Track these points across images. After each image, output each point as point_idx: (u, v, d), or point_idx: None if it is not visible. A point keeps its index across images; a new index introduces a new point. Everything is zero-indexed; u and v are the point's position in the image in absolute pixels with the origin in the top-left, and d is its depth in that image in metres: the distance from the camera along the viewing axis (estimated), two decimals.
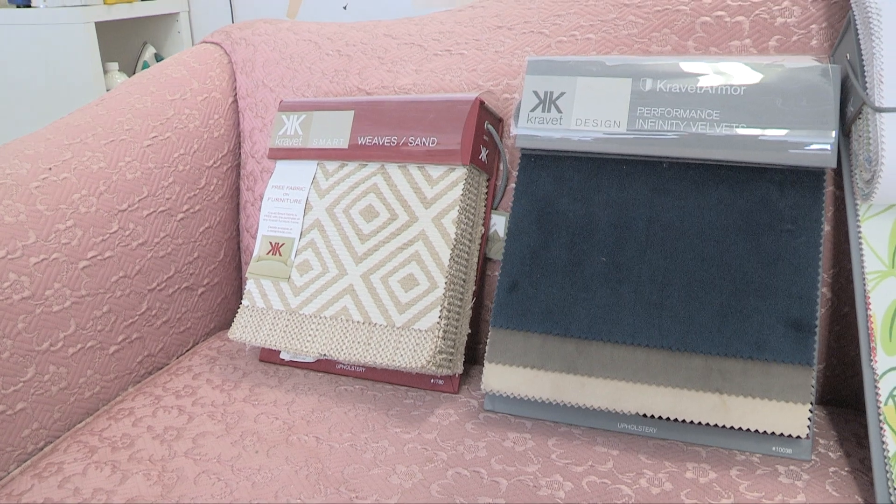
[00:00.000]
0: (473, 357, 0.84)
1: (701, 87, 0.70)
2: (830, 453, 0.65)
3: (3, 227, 0.73)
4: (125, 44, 2.63)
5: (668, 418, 0.67)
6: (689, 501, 0.59)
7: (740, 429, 0.65)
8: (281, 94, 0.97)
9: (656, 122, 0.70)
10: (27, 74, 2.19)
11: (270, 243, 0.81)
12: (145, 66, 2.50)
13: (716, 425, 0.65)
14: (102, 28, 2.59)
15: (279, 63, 0.99)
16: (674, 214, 0.69)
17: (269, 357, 0.83)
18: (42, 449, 0.72)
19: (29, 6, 2.21)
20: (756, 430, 0.64)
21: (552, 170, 0.74)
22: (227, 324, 0.97)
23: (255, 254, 0.81)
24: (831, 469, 0.62)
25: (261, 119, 0.97)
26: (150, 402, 0.76)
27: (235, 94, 1.01)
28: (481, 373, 0.80)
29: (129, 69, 2.60)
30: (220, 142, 0.97)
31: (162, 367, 0.86)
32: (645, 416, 0.68)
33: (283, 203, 0.82)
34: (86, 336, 0.76)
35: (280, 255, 0.80)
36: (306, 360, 0.81)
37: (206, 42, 1.08)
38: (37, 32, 2.13)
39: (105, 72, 2.26)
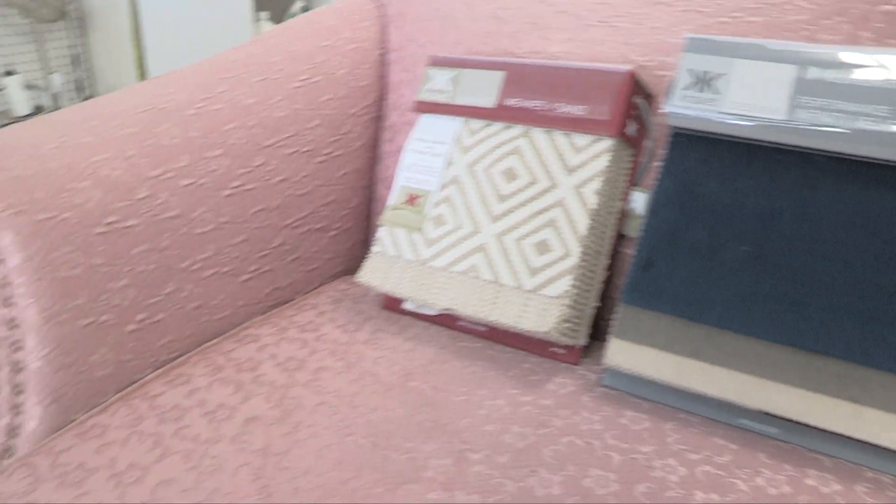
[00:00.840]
0: (595, 333, 0.83)
1: (872, 80, 0.66)
2: None
3: (160, 149, 0.76)
4: None
5: (793, 420, 0.64)
6: None
7: (873, 444, 0.62)
8: (430, 51, 0.97)
9: (817, 114, 0.67)
10: (183, 19, 2.28)
11: (407, 194, 0.82)
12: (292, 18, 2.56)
13: (846, 436, 0.62)
14: None
15: (431, 20, 1.00)
16: (825, 211, 0.66)
17: (392, 305, 0.84)
18: (174, 360, 0.76)
19: None
20: (891, 449, 0.60)
21: (701, 151, 0.72)
22: (352, 269, 0.99)
23: (390, 202, 0.83)
24: None
25: (408, 73, 0.98)
26: (275, 332, 0.78)
27: (385, 47, 1.02)
28: (602, 348, 0.79)
29: (278, 20, 2.67)
30: (365, 91, 0.98)
31: (288, 302, 0.88)
32: (768, 414, 0.65)
33: (423, 156, 0.82)
34: (222, 261, 0.79)
35: (415, 206, 0.80)
36: (429, 313, 0.81)
37: None
38: None
39: (256, 20, 2.33)
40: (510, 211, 0.75)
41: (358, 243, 0.99)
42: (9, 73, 1.88)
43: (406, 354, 0.75)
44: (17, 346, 0.68)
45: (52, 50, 2.23)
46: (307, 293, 0.91)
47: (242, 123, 0.83)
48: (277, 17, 2.67)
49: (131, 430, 0.65)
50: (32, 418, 0.68)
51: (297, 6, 2.54)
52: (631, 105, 0.75)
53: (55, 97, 1.94)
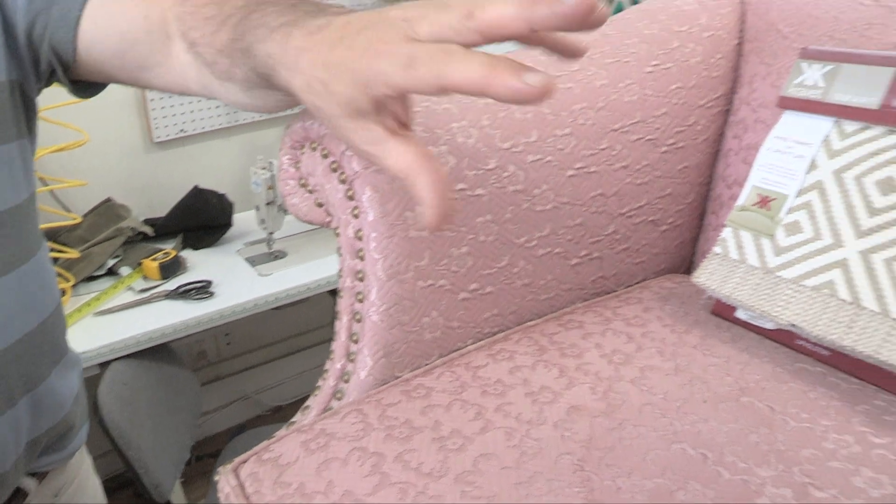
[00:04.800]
0: None
1: None
2: None
3: (513, 122, 0.76)
4: None
5: None
6: None
7: None
8: (795, 42, 0.89)
9: None
10: None
11: (759, 195, 0.75)
12: (619, 7, 2.52)
13: None
14: None
15: (799, 9, 0.91)
16: None
17: (722, 311, 0.79)
18: (494, 334, 0.76)
19: None
20: None
21: None
22: (677, 267, 0.94)
23: (739, 202, 0.77)
24: None
25: (766, 66, 0.91)
26: (599, 322, 0.76)
27: (742, 36, 0.96)
28: None
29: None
30: (716, 83, 0.93)
31: (610, 292, 0.86)
32: None
33: (783, 156, 0.75)
34: (556, 241, 0.78)
35: (768, 209, 0.74)
36: (765, 326, 0.75)
37: None
38: None
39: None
40: (883, 227, 0.67)
41: (687, 241, 0.93)
42: None
43: (739, 366, 0.69)
44: (360, 297, 0.71)
45: None
46: (630, 286, 0.87)
47: (592, 104, 0.81)
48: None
49: (455, 397, 0.66)
50: (363, 368, 0.71)
51: None
52: None
53: None
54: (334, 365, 0.74)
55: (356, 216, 0.70)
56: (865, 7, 0.86)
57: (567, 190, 0.78)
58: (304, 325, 2.23)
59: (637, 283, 0.88)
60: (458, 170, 0.71)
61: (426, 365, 0.72)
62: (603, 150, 0.81)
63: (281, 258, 1.76)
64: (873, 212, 0.68)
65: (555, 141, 0.77)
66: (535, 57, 0.75)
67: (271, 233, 1.75)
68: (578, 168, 0.79)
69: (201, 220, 1.78)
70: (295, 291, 1.65)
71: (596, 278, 0.83)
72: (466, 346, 0.75)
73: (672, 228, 0.90)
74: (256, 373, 2.16)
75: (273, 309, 1.65)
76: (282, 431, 0.65)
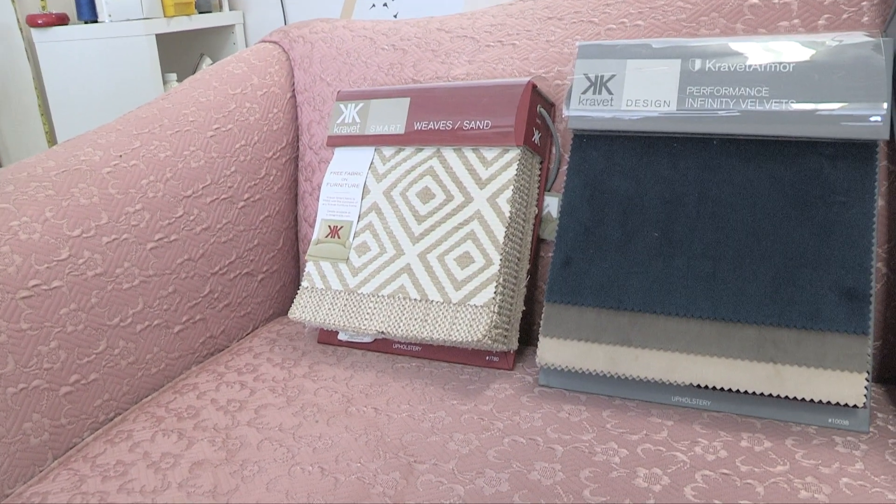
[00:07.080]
0: (527, 338, 0.86)
1: (750, 66, 0.71)
2: (890, 426, 0.65)
3: (79, 209, 0.76)
4: (183, 55, 2.70)
5: (722, 389, 0.67)
6: (744, 468, 0.59)
7: (795, 399, 0.65)
8: (338, 88, 0.99)
9: (706, 101, 0.71)
10: (94, 84, 2.27)
11: (329, 227, 0.83)
12: None
13: (770, 396, 0.65)
14: (162, 40, 2.67)
15: (336, 59, 1.02)
16: (724, 189, 0.70)
17: (327, 339, 0.85)
18: (112, 419, 0.75)
19: (96, 21, 2.29)
20: (811, 400, 0.64)
21: (603, 149, 0.75)
22: (285, 310, 1.00)
23: (314, 237, 0.84)
24: (891, 441, 0.62)
25: (318, 112, 1.00)
26: (213, 378, 0.79)
27: (293, 89, 1.04)
28: (535, 351, 0.81)
29: None
30: (279, 134, 1.00)
31: (223, 349, 0.88)
32: (699, 387, 0.68)
33: (341, 188, 0.84)
34: (153, 314, 0.79)
35: (339, 237, 0.82)
36: (364, 341, 0.83)
37: (265, 41, 1.11)
38: (103, 45, 2.21)
39: (164, 82, 2.33)
40: (430, 230, 0.77)
41: (288, 284, 0.99)
42: None
43: (345, 382, 0.76)
44: None
45: None
46: (242, 338, 0.91)
47: (159, 177, 0.84)
48: (185, 78, 2.67)
49: (74, 493, 0.64)
50: None
51: (206, 64, 2.55)
52: (533, 114, 0.79)
53: None
54: None
55: None
56: (386, 51, 0.98)
57: (152, 262, 0.80)
58: None
59: (248, 334, 0.92)
60: (26, 267, 0.70)
61: (42, 471, 0.70)
62: (179, 217, 0.84)
63: None
64: (420, 219, 0.78)
65: (128, 218, 0.79)
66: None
67: None
68: (158, 239, 0.81)
69: None
70: None
71: (205, 339, 0.86)
72: (84, 439, 0.73)
73: (269, 276, 0.95)
74: None
75: None
76: None
